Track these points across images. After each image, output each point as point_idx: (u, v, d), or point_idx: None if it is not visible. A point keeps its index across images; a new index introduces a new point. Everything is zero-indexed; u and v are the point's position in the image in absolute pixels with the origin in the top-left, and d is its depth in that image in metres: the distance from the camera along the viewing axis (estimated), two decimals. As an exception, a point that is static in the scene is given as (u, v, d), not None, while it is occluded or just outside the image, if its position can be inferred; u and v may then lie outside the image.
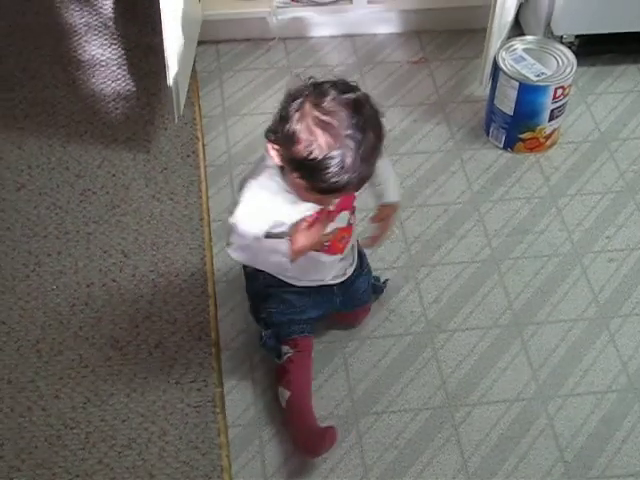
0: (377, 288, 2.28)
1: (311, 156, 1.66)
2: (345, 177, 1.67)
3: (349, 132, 1.65)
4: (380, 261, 2.39)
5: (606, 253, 2.44)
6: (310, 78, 1.73)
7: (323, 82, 1.71)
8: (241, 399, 2.15)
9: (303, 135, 1.67)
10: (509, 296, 2.34)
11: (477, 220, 2.51)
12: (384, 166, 1.97)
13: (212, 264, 2.38)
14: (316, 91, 1.69)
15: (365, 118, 1.67)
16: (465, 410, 2.13)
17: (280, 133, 1.71)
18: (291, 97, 1.70)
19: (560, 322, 2.29)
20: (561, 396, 2.16)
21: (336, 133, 1.65)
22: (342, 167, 1.66)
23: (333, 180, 1.67)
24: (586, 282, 2.37)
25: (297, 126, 1.67)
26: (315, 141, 1.65)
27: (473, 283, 2.37)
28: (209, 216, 2.49)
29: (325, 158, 1.65)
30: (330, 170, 1.66)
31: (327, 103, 1.67)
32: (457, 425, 2.10)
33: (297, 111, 1.68)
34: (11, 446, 2.03)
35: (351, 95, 1.69)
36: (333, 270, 2.08)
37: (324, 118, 1.66)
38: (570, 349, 2.24)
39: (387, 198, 2.10)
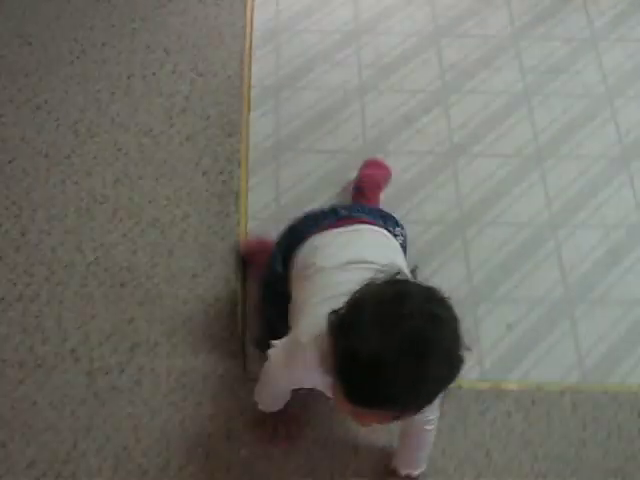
0: None
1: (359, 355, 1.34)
2: (387, 391, 1.35)
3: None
4: (413, 83, 2.42)
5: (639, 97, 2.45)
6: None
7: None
8: (264, 195, 2.24)
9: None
10: (535, 129, 2.39)
11: (514, 55, 2.53)
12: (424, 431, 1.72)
13: (250, 69, 2.43)
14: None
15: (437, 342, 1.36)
16: (477, 228, 2.19)
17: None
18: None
19: (582, 158, 2.33)
20: (572, 226, 2.22)
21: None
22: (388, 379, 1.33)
23: (371, 389, 1.35)
24: (614, 124, 2.40)
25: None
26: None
27: (502, 113, 2.42)
28: (252, 24, 2.53)
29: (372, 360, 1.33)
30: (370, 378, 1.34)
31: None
32: (468, 241, 2.16)
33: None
34: (42, 214, 2.12)
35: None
36: None
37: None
38: (587, 184, 2.30)
39: (404, 466, 1.84)
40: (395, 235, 1.87)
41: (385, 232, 1.83)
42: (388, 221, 1.90)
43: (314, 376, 1.50)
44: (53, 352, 1.97)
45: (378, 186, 2.20)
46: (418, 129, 2.37)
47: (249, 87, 2.41)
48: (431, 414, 1.67)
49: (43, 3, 2.53)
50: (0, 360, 1.93)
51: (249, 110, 2.38)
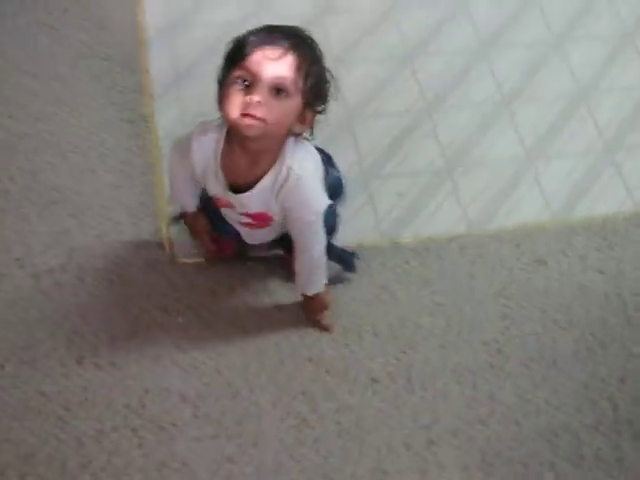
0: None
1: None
2: (252, 37, 1.71)
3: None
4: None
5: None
6: None
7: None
8: (170, 116, 2.53)
9: None
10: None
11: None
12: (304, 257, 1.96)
13: (143, 17, 2.70)
14: None
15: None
16: (362, 120, 2.51)
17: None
18: None
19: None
20: (444, 110, 2.54)
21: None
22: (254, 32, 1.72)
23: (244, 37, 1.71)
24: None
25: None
26: None
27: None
28: None
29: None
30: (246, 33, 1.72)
31: None
32: (356, 134, 2.49)
33: None
34: None
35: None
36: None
37: None
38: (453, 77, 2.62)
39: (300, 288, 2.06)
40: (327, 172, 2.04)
41: None
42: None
43: (208, 154, 1.86)
44: (1, 264, 2.20)
45: None
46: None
47: (143, 30, 2.67)
48: (315, 234, 1.93)
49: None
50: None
51: (146, 50, 2.63)
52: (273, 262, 2.19)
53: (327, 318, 2.10)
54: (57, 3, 2.72)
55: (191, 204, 2.09)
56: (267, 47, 1.67)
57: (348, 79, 2.51)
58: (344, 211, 2.19)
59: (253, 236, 2.05)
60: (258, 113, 1.66)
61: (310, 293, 2.02)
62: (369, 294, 2.17)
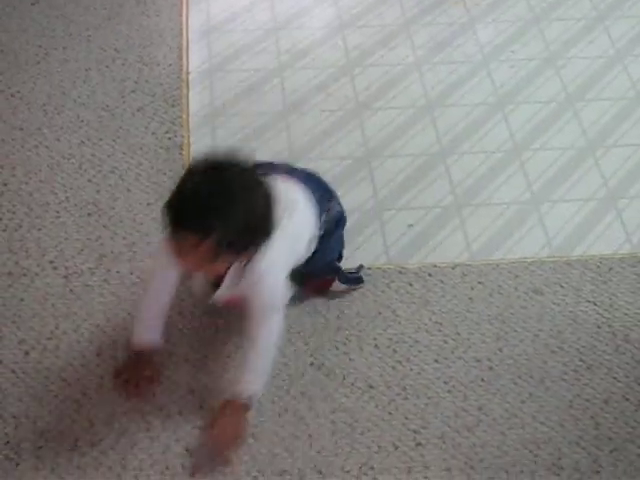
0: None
1: None
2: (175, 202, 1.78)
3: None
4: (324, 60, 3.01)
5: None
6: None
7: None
8: (203, 148, 2.74)
9: None
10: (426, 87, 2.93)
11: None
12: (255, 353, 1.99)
13: (187, 59, 2.97)
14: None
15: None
16: (380, 160, 2.72)
17: None
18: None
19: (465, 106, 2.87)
20: (458, 153, 2.74)
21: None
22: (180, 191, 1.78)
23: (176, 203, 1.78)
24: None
25: None
26: None
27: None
28: (187, 26, 3.09)
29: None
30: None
31: None
32: (373, 169, 2.69)
33: None
34: (21, 170, 2.63)
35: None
36: None
37: None
38: (471, 123, 2.83)
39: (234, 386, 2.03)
40: (328, 209, 2.21)
41: (302, 195, 2.12)
42: (322, 193, 2.21)
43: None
44: (35, 264, 2.42)
45: None
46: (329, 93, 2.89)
47: (187, 72, 2.93)
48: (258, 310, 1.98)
49: (10, 19, 3.05)
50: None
51: (188, 89, 2.89)
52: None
53: (234, 452, 2.05)
54: (111, 43, 2.98)
55: (155, 334, 2.13)
56: (174, 241, 1.79)
57: (371, 122, 2.85)
58: (356, 238, 2.47)
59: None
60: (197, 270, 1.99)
61: (250, 394, 2.01)
62: (373, 311, 2.33)
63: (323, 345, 2.25)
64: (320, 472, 2.03)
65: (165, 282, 2.06)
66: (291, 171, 2.17)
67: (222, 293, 2.00)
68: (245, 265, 1.90)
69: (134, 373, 2.10)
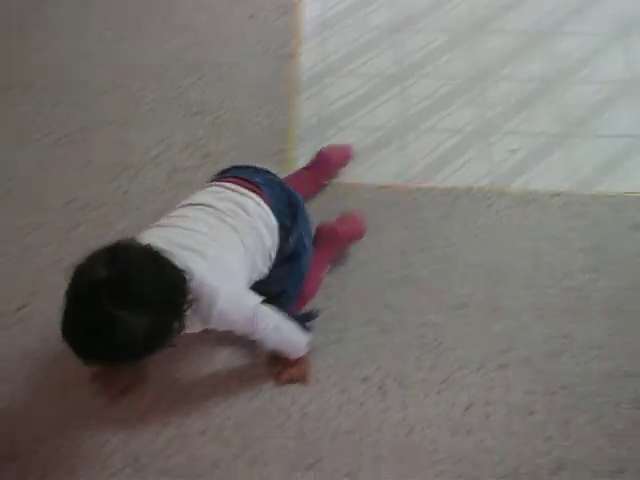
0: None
1: None
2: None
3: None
4: None
5: None
6: None
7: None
8: (311, 59, 2.77)
9: None
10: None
11: None
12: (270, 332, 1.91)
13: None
14: None
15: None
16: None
17: None
18: None
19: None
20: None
21: None
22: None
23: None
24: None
25: None
26: None
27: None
28: None
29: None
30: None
31: None
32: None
33: None
34: (132, 70, 2.68)
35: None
36: None
37: None
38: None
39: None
40: (287, 236, 2.02)
41: (259, 213, 1.96)
42: (285, 214, 2.03)
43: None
44: (138, 157, 2.47)
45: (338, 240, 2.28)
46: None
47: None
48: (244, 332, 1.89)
49: None
50: (97, 164, 2.48)
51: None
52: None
53: (287, 379, 2.10)
54: None
55: None
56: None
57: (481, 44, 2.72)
58: (460, 157, 2.51)
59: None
60: None
61: (294, 357, 2.05)
62: (472, 232, 2.32)
63: (418, 261, 2.24)
64: (400, 383, 2.06)
65: None
66: (260, 182, 2.03)
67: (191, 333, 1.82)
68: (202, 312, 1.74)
69: (114, 377, 2.06)
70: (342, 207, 2.33)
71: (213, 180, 2.04)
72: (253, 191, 1.96)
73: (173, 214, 1.88)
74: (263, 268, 1.94)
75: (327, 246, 2.20)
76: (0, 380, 2.01)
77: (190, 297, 1.64)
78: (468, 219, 2.36)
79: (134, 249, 1.61)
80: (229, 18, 2.79)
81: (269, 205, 1.95)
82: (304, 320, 2.06)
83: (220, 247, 1.80)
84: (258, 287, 1.91)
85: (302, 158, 2.45)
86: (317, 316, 2.09)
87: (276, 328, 1.89)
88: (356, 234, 2.26)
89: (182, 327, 1.64)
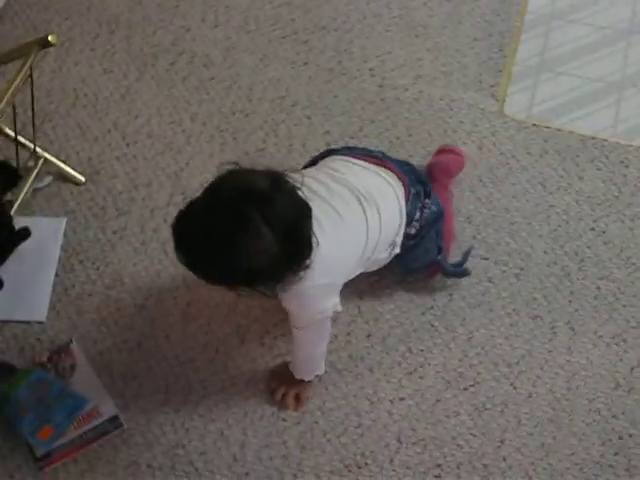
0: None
1: None
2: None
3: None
4: None
5: None
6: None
7: None
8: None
9: None
10: None
11: None
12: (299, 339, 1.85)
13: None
14: None
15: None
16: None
17: None
18: None
19: None
20: None
21: None
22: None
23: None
24: None
25: None
26: None
27: None
28: None
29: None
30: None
31: None
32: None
33: None
34: None
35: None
36: None
37: None
38: None
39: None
40: (422, 206, 1.98)
41: (399, 190, 1.92)
42: (419, 187, 1.99)
43: None
44: (355, 67, 2.52)
45: (449, 172, 2.23)
46: None
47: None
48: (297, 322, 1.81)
49: None
50: (315, 65, 2.53)
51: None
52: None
53: (291, 404, 1.99)
54: None
55: None
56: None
57: None
58: (591, 105, 2.40)
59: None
60: None
61: (298, 376, 1.94)
62: (603, 191, 2.29)
63: (609, 215, 2.23)
64: (572, 329, 2.05)
65: None
66: (383, 158, 2.00)
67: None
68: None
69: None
70: (540, 150, 2.29)
71: (324, 157, 1.99)
72: (386, 169, 1.94)
73: (319, 176, 1.82)
74: (379, 254, 1.89)
75: (444, 181, 2.19)
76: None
77: (308, 261, 1.59)
78: (588, 173, 2.32)
79: (294, 187, 1.59)
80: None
81: (402, 182, 1.94)
82: (460, 275, 2.09)
83: (343, 236, 1.75)
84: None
85: (514, 95, 2.42)
86: (469, 273, 2.09)
87: (317, 343, 1.86)
88: (460, 163, 2.25)
89: (286, 280, 1.60)
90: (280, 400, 1.94)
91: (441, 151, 2.26)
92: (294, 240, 1.54)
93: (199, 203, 1.54)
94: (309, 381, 1.92)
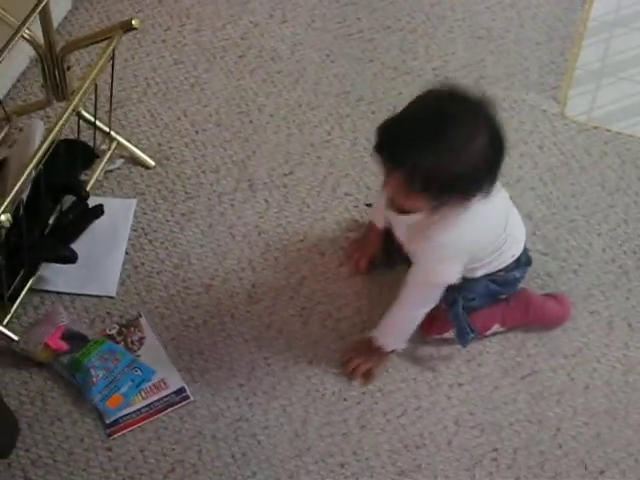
0: None
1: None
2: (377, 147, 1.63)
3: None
4: None
5: None
6: None
7: None
8: (603, 9, 2.78)
9: None
10: None
11: None
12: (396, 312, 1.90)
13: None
14: None
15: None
16: None
17: None
18: None
19: None
20: None
21: None
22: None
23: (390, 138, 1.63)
24: None
25: None
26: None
27: None
28: None
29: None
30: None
31: None
32: None
33: None
34: None
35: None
36: None
37: None
38: None
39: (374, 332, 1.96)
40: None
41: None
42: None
43: None
44: (419, 67, 2.58)
45: (541, 319, 2.12)
46: None
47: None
48: (418, 295, 1.86)
49: None
50: (380, 63, 2.60)
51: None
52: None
53: (361, 376, 2.02)
54: None
55: (380, 221, 2.07)
56: (383, 162, 1.64)
57: None
58: None
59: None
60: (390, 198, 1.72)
61: (380, 344, 1.95)
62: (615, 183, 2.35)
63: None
64: (629, 324, 2.11)
65: None
66: None
67: (398, 221, 1.86)
68: (432, 225, 1.73)
69: (362, 243, 2.15)
70: (600, 152, 2.36)
71: None
72: None
73: None
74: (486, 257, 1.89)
75: (519, 312, 2.06)
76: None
77: (482, 193, 1.65)
78: (627, 167, 2.36)
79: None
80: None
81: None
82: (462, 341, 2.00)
83: (491, 210, 1.78)
84: None
85: (575, 98, 2.50)
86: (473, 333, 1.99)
87: (420, 306, 1.88)
88: (559, 319, 2.11)
89: (467, 198, 1.65)
90: (351, 372, 1.97)
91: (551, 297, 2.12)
92: (499, 152, 1.61)
93: (427, 95, 1.63)
94: (385, 355, 1.96)
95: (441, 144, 1.55)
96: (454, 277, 1.79)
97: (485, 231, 1.81)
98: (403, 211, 1.73)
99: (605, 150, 2.35)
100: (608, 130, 2.41)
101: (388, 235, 1.99)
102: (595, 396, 1.99)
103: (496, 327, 2.02)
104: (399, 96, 2.47)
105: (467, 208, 1.66)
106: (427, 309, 1.87)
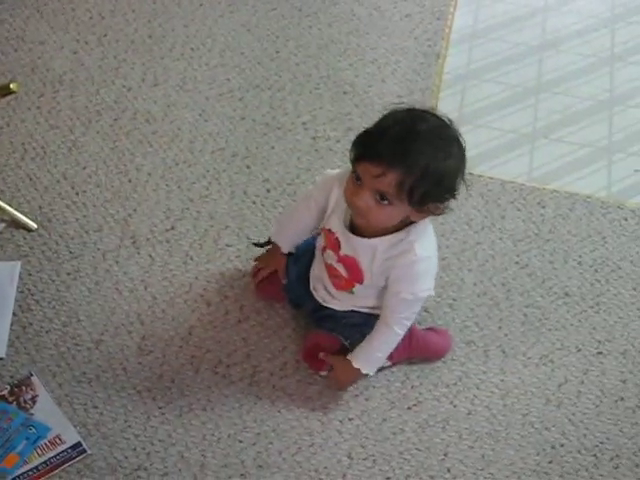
0: None
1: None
2: (380, 143, 1.69)
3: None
4: None
5: None
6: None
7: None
8: (457, 63, 3.00)
9: None
10: None
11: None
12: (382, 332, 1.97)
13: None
14: None
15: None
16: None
17: None
18: None
19: None
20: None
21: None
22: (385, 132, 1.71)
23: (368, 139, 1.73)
24: None
25: None
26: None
27: None
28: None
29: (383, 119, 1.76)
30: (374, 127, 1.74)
31: None
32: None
33: None
34: (292, 44, 2.89)
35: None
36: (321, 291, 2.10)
37: None
38: None
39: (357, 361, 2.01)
40: None
41: None
42: None
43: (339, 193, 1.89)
44: (290, 122, 2.70)
45: (425, 350, 2.21)
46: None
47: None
48: (405, 312, 1.95)
49: None
50: (251, 120, 2.71)
51: (455, 8, 3.10)
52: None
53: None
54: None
55: (288, 245, 2.15)
56: (368, 163, 1.69)
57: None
58: (584, 169, 2.68)
59: (329, 298, 2.08)
60: (363, 209, 1.75)
61: (358, 366, 2.01)
62: (584, 232, 2.49)
63: (530, 250, 2.42)
64: (503, 352, 2.22)
65: (309, 212, 2.06)
66: None
67: (366, 245, 1.89)
68: (409, 242, 1.84)
69: (267, 261, 2.21)
70: (464, 194, 2.48)
71: None
72: None
73: None
74: None
75: (403, 346, 2.09)
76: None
77: (442, 207, 1.79)
78: (583, 221, 2.50)
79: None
80: (388, 12, 2.99)
81: None
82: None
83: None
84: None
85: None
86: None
87: (399, 333, 1.98)
88: (442, 350, 2.22)
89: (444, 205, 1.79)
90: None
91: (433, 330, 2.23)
92: (465, 157, 1.76)
93: (398, 110, 1.76)
94: (358, 372, 2.02)
95: (436, 142, 1.70)
96: (431, 291, 1.90)
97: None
98: (366, 233, 1.84)
99: (469, 192, 2.49)
100: (471, 173, 2.54)
101: (303, 276, 2.13)
102: (477, 420, 2.09)
103: (383, 362, 2.08)
104: (272, 150, 2.57)
105: (431, 220, 1.82)
106: (406, 329, 1.97)
